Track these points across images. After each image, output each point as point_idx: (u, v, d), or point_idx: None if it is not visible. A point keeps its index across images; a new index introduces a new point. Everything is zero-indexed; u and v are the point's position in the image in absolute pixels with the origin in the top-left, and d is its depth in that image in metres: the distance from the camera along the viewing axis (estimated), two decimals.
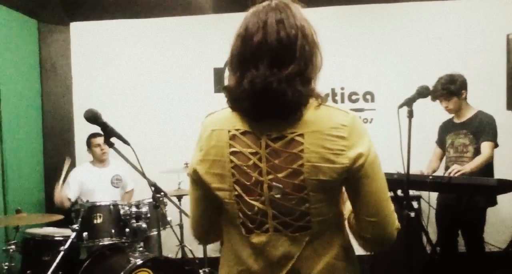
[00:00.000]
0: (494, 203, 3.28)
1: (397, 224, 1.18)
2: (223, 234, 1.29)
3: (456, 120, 3.42)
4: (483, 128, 3.25)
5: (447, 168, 3.39)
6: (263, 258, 1.18)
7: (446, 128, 3.50)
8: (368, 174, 1.12)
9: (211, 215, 1.27)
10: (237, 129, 1.16)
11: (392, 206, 1.17)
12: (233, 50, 1.17)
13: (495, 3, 4.26)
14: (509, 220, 3.26)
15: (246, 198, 1.15)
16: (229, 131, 1.16)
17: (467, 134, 3.32)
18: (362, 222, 1.16)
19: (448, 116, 3.53)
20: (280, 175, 1.12)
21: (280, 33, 1.11)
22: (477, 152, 3.26)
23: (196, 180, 1.22)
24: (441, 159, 3.53)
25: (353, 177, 1.12)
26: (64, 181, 3.75)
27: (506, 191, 3.00)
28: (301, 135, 1.11)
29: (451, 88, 3.24)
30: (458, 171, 3.04)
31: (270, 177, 1.13)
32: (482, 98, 3.55)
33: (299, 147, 1.11)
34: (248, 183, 1.15)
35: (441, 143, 3.54)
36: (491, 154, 3.20)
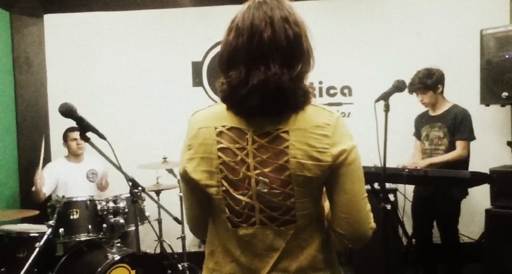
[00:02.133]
0: (465, 193, 3.37)
1: (372, 224, 1.21)
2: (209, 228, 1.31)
3: (432, 113, 3.49)
4: (458, 125, 3.33)
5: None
6: (249, 251, 1.21)
7: (421, 121, 3.57)
8: (348, 172, 1.16)
9: (204, 211, 1.29)
10: (223, 126, 1.18)
11: (368, 206, 1.20)
12: (233, 45, 1.15)
13: None
14: (482, 211, 3.35)
15: (234, 193, 1.18)
16: (216, 128, 1.18)
17: (441, 127, 3.40)
18: (337, 218, 1.20)
19: (422, 109, 3.60)
20: (266, 170, 1.15)
21: (288, 32, 1.13)
22: (451, 145, 3.34)
23: (186, 178, 1.23)
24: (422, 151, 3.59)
25: (334, 174, 1.16)
26: (44, 162, 3.67)
27: (479, 183, 3.08)
28: (286, 132, 1.14)
29: (428, 83, 3.31)
30: (415, 166, 3.17)
31: (257, 171, 1.16)
32: (457, 92, 3.62)
33: (284, 143, 1.14)
34: (236, 178, 1.17)
35: (418, 135, 3.61)
36: (462, 153, 3.29)
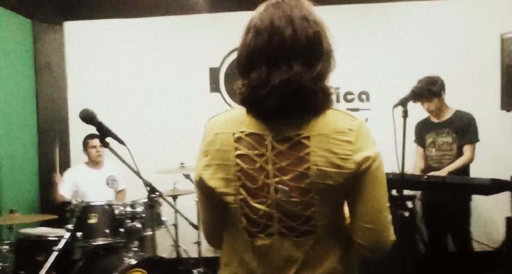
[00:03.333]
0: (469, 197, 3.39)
1: (393, 235, 1.16)
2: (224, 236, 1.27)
3: (435, 120, 3.49)
4: (466, 129, 3.36)
5: (429, 166, 3.46)
6: (267, 262, 1.17)
7: (425, 128, 3.56)
8: (371, 180, 1.11)
9: (221, 219, 1.24)
10: (241, 132, 1.13)
11: (390, 217, 1.16)
12: (252, 45, 1.11)
13: (489, 3, 4.28)
14: (502, 219, 3.28)
15: (251, 202, 1.13)
16: (233, 134, 1.14)
17: (449, 133, 3.40)
18: (357, 228, 1.15)
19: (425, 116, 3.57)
20: (286, 178, 1.11)
21: (308, 30, 1.09)
22: (460, 149, 3.36)
23: (203, 186, 1.19)
24: (424, 158, 3.58)
25: (356, 182, 1.11)
26: (61, 166, 3.78)
27: (500, 190, 3.03)
28: (307, 138, 1.09)
29: (433, 90, 3.31)
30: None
31: (277, 179, 1.11)
32: (476, 98, 3.58)
33: (305, 150, 1.09)
34: (254, 186, 1.13)
35: (420, 142, 3.60)
36: (472, 157, 3.33)
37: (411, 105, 3.31)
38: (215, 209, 1.23)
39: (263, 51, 1.10)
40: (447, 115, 3.44)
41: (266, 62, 1.09)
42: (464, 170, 3.31)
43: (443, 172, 3.25)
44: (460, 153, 3.35)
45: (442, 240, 3.53)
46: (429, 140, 3.51)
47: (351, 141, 1.09)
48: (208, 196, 1.20)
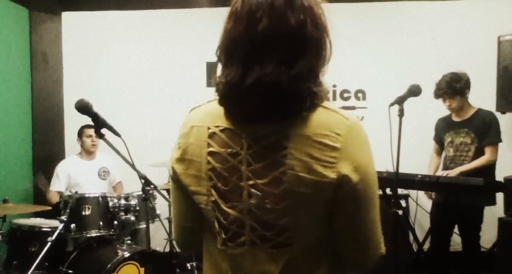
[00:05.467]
0: (492, 202, 3.26)
1: (382, 249, 1.03)
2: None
3: (456, 119, 3.38)
4: (487, 129, 3.22)
5: (445, 166, 3.41)
6: None
7: (444, 127, 3.46)
8: (359, 196, 0.95)
9: (194, 220, 1.10)
10: (216, 126, 1.00)
11: (380, 233, 1.02)
12: (230, 35, 0.97)
13: (487, 5, 4.29)
14: (495, 220, 3.30)
15: (222, 205, 1.00)
16: (208, 128, 1.01)
17: (468, 133, 3.28)
18: (339, 241, 1.01)
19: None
20: (260, 181, 0.96)
21: (289, 20, 0.93)
22: (478, 151, 3.24)
23: (175, 179, 1.07)
24: (441, 156, 3.52)
25: (339, 195, 0.95)
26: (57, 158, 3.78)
27: (493, 191, 3.05)
28: (286, 137, 0.94)
29: (456, 87, 3.19)
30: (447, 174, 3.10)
31: (251, 182, 0.97)
32: (472, 99, 3.58)
33: (282, 151, 0.94)
34: (226, 188, 0.99)
35: (439, 140, 3.51)
36: (493, 158, 3.20)
37: (424, 103, 3.32)
38: (188, 207, 1.09)
39: (240, 43, 0.95)
40: (468, 114, 3.30)
41: (242, 57, 0.95)
42: (484, 171, 3.13)
43: (454, 172, 3.16)
44: (479, 154, 3.21)
45: (446, 240, 3.46)
46: (447, 139, 3.39)
47: (336, 147, 0.93)
48: (180, 190, 1.08)
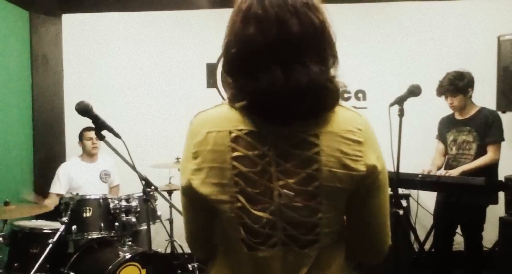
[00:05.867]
0: (495, 201, 3.24)
1: (389, 241, 1.10)
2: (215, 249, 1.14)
3: (458, 117, 3.37)
4: (489, 127, 3.21)
5: (448, 165, 3.40)
6: None
7: (447, 125, 3.45)
8: (380, 185, 1.03)
9: (209, 231, 1.11)
10: (239, 130, 0.98)
11: (389, 222, 1.09)
12: (256, 38, 0.94)
13: (487, 4, 4.29)
14: (496, 219, 3.30)
15: (251, 209, 0.99)
16: (230, 132, 0.98)
17: (471, 131, 3.28)
18: (353, 233, 1.08)
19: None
20: (291, 181, 0.98)
21: (314, 21, 0.96)
22: (480, 149, 3.23)
23: (192, 193, 1.03)
24: (444, 155, 3.50)
25: (363, 188, 1.01)
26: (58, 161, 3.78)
27: (494, 190, 3.04)
28: (315, 135, 0.97)
29: (459, 85, 3.19)
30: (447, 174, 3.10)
31: (281, 182, 0.98)
32: (473, 98, 3.58)
33: (314, 149, 0.97)
34: (256, 191, 0.99)
35: (442, 138, 3.50)
36: (496, 157, 3.19)
37: (424, 103, 3.31)
38: (203, 220, 1.09)
39: (272, 47, 0.94)
40: (471, 113, 3.30)
41: (275, 60, 0.94)
42: (487, 170, 3.14)
43: (455, 172, 3.16)
44: (481, 153, 3.21)
45: (449, 239, 3.46)
46: (450, 138, 3.39)
47: (360, 141, 0.99)
48: (196, 204, 1.06)
